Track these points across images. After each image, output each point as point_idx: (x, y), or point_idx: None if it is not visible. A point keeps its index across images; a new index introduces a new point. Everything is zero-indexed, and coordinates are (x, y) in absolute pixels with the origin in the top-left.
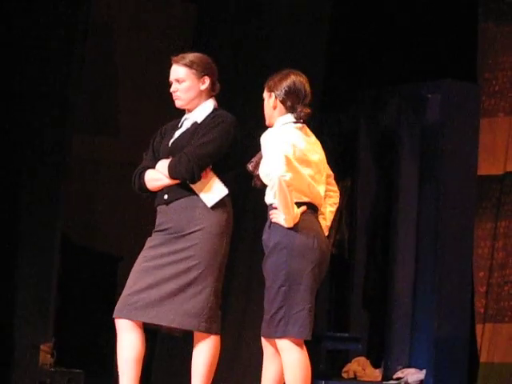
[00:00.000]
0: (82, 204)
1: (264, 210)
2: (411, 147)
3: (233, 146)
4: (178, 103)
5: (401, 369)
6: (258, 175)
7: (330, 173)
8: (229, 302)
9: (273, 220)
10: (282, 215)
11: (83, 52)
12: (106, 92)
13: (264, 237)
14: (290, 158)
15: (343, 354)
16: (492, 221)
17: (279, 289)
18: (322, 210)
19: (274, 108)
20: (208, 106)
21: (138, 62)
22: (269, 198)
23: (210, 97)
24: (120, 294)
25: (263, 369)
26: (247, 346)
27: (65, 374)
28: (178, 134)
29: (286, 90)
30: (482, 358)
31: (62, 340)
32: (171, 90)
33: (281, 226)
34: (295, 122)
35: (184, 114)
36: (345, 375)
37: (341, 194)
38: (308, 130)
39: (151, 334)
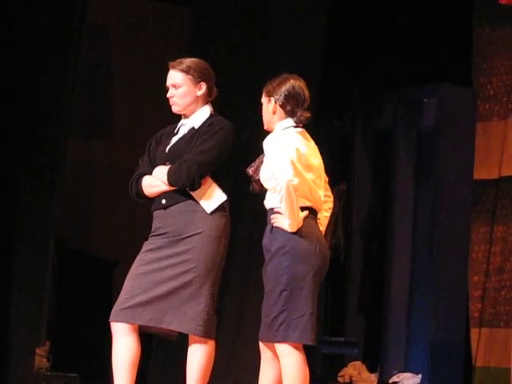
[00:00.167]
0: (78, 207)
1: (261, 214)
2: (407, 151)
3: (231, 153)
4: (175, 108)
5: (396, 373)
6: (257, 180)
7: (326, 177)
8: (225, 306)
9: (275, 224)
10: (287, 220)
11: (79, 55)
12: (102, 95)
13: (265, 241)
14: (295, 163)
15: (339, 359)
16: (486, 225)
17: (281, 293)
18: (318, 215)
19: (274, 113)
20: (205, 112)
21: (133, 65)
22: (269, 202)
23: (207, 102)
24: (116, 297)
25: (260, 373)
26: (243, 351)
27: (61, 378)
28: (174, 140)
29: (285, 95)
30: (478, 363)
31: (58, 344)
32: (168, 95)
33: (283, 230)
34: (295, 127)
35: (180, 118)
36: (341, 379)
37: (337, 198)
38: (307, 135)
39: (147, 338)
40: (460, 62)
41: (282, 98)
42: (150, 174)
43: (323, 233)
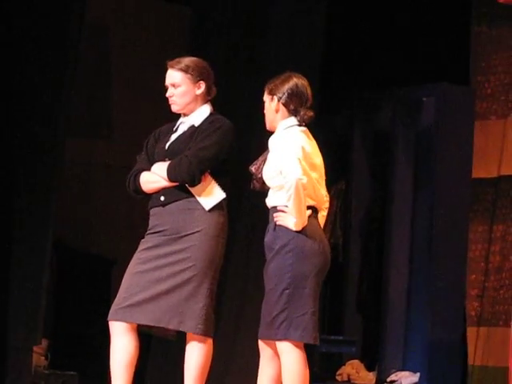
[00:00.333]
0: (77, 207)
1: (261, 212)
2: (406, 150)
3: (230, 152)
4: (174, 108)
5: (395, 372)
6: (259, 178)
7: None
8: (224, 305)
9: (279, 223)
10: (292, 218)
11: (78, 54)
12: (102, 95)
13: (267, 239)
14: (302, 161)
15: (337, 357)
16: (484, 224)
17: (283, 291)
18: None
19: (277, 111)
20: (204, 111)
21: (133, 65)
22: (272, 201)
23: (206, 101)
24: (115, 296)
25: (259, 371)
26: (242, 349)
27: (59, 376)
28: (174, 137)
29: (288, 93)
30: (477, 362)
31: (57, 342)
32: (167, 94)
33: (287, 228)
34: (299, 125)
35: (179, 117)
36: (339, 378)
37: (335, 197)
38: (309, 134)
39: (145, 337)
40: (459, 61)
41: (285, 96)
42: (149, 170)
43: None
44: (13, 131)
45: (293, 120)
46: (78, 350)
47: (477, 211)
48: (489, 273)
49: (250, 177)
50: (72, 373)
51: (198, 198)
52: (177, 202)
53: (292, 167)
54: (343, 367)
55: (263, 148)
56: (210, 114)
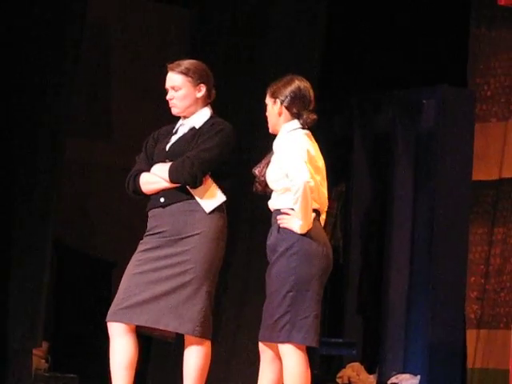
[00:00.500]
0: (77, 207)
1: (262, 214)
2: (406, 152)
3: (231, 154)
4: (175, 111)
5: (395, 374)
6: (261, 180)
7: None
8: (224, 307)
9: (283, 225)
10: (298, 221)
11: (78, 55)
12: (102, 95)
13: (270, 241)
14: (307, 165)
15: (337, 360)
16: (484, 226)
17: (287, 294)
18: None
19: (280, 115)
20: (205, 114)
21: (133, 66)
22: (276, 203)
23: (206, 104)
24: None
25: (260, 374)
26: (243, 352)
27: (59, 378)
28: (174, 138)
29: (291, 96)
30: (477, 364)
31: (57, 345)
32: (167, 97)
33: (291, 231)
34: (302, 128)
35: (179, 119)
36: (339, 381)
37: (335, 199)
38: (312, 137)
39: (146, 339)
40: (459, 64)
41: (288, 99)
42: (148, 171)
43: None
44: (13, 131)
45: (296, 123)
46: (79, 353)
47: (477, 213)
48: (489, 275)
49: (251, 179)
50: (72, 375)
51: (199, 200)
52: (177, 204)
53: (299, 170)
54: (344, 370)
55: (264, 150)
56: (211, 117)
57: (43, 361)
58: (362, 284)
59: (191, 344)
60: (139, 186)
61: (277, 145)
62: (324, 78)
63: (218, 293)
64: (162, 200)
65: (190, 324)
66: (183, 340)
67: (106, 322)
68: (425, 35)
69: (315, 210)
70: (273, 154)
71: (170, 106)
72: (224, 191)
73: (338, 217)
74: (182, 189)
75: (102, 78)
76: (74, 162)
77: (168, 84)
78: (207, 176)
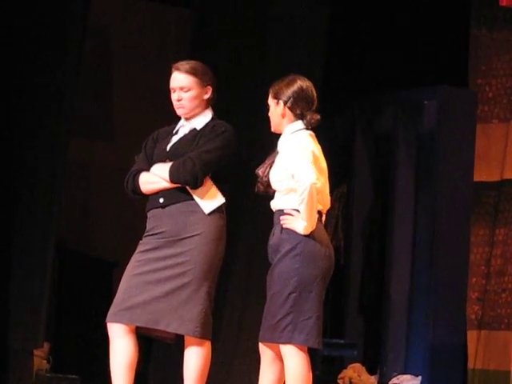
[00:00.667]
0: (78, 209)
1: (264, 215)
2: (407, 153)
3: (232, 157)
4: (181, 111)
5: (396, 375)
6: (263, 181)
7: None
8: (226, 308)
9: (286, 226)
10: (302, 222)
11: (80, 55)
12: (103, 96)
13: (272, 242)
14: (313, 166)
15: (339, 361)
16: (485, 227)
17: (289, 295)
18: None
19: (283, 116)
20: (207, 115)
21: (135, 67)
22: (278, 204)
23: (208, 106)
24: None
25: (260, 375)
26: (244, 353)
27: (61, 379)
28: (175, 139)
29: (294, 97)
30: (478, 365)
31: (59, 345)
32: (175, 98)
33: (294, 232)
34: (306, 129)
35: (179, 119)
36: (340, 382)
37: (337, 200)
38: (315, 138)
39: (146, 340)
40: (460, 64)
41: (291, 100)
42: (148, 171)
43: None
44: (13, 131)
45: (300, 124)
46: (80, 353)
47: (478, 214)
48: (490, 276)
49: (253, 181)
50: (74, 376)
51: (198, 201)
52: (176, 205)
53: (306, 171)
54: (345, 371)
55: (266, 150)
56: (212, 119)
57: (44, 361)
58: (363, 285)
59: (191, 345)
60: (138, 186)
61: (281, 145)
62: (325, 78)
63: (218, 294)
64: (161, 201)
65: (190, 325)
66: (183, 341)
67: (106, 323)
68: (425, 36)
69: (318, 212)
70: (276, 154)
71: (177, 106)
72: (223, 193)
73: (340, 217)
74: (182, 190)
75: (103, 79)
76: (75, 163)
77: (175, 84)
78: (207, 178)
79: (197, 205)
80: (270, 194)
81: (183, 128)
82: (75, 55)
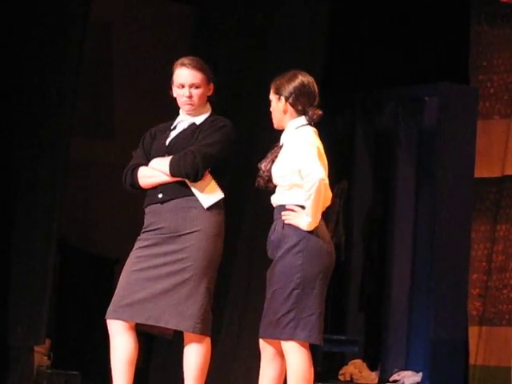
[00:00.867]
0: (79, 206)
1: (265, 211)
2: (408, 149)
3: (231, 151)
4: (189, 108)
5: (397, 371)
6: (264, 175)
7: None
8: (227, 306)
9: (288, 221)
10: (307, 218)
11: (81, 53)
12: (104, 94)
13: (273, 237)
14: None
15: (340, 357)
16: (486, 223)
17: (292, 291)
18: None
19: (285, 112)
20: (206, 111)
21: (135, 64)
22: (280, 199)
23: (207, 101)
24: None
25: (260, 373)
26: (245, 350)
27: (61, 375)
28: (174, 134)
29: (296, 93)
30: (479, 361)
31: (59, 342)
32: (186, 94)
33: (296, 227)
34: (309, 125)
35: (176, 116)
36: (341, 378)
37: (338, 196)
38: (317, 135)
39: (147, 336)
40: (461, 61)
41: (292, 96)
42: (146, 165)
43: None
44: (13, 131)
45: (303, 119)
46: (81, 350)
47: (479, 210)
48: (491, 272)
49: (254, 177)
50: (74, 372)
51: (198, 195)
52: (176, 200)
53: (315, 167)
54: (345, 367)
55: (267, 147)
56: (211, 114)
57: (45, 358)
58: (364, 281)
59: (191, 341)
60: (137, 180)
61: (285, 140)
62: (326, 75)
63: (219, 293)
64: (160, 196)
65: (191, 321)
66: (182, 337)
67: (106, 320)
68: (426, 32)
69: None
70: (279, 149)
71: (185, 103)
72: (222, 188)
73: (340, 214)
74: (181, 185)
75: (104, 77)
76: (76, 161)
77: (186, 80)
78: (206, 172)
79: (196, 200)
80: (270, 188)
81: (182, 123)
82: (75, 55)
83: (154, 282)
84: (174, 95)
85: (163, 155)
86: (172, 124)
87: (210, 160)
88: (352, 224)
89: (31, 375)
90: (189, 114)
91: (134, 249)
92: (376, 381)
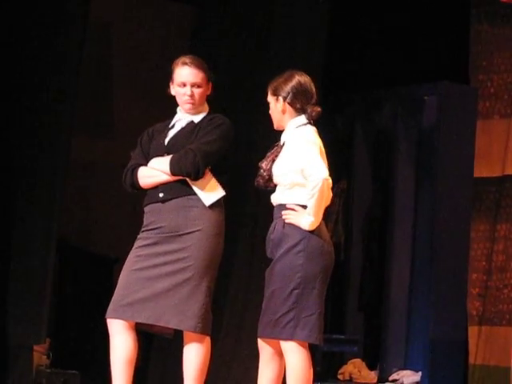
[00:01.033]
0: (79, 206)
1: (265, 211)
2: (408, 149)
3: (230, 149)
4: (190, 107)
5: (396, 371)
6: (264, 175)
7: None
8: (227, 306)
9: (289, 221)
10: (309, 217)
11: (81, 53)
12: (104, 94)
13: (273, 236)
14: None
15: (339, 356)
16: (486, 223)
17: (292, 291)
18: None
19: (284, 112)
20: (205, 109)
21: (135, 64)
22: (280, 198)
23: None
24: None
25: (259, 372)
26: (245, 350)
27: (61, 375)
28: (172, 133)
29: (293, 92)
30: (478, 361)
31: (58, 341)
32: (187, 93)
33: (297, 227)
34: (309, 124)
35: (174, 115)
36: (340, 377)
37: (337, 196)
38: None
39: (147, 335)
40: (461, 60)
41: (290, 96)
42: (145, 165)
43: None
44: (13, 131)
45: (302, 118)
46: (80, 349)
47: (479, 210)
48: (491, 272)
49: (253, 177)
50: (74, 371)
51: (199, 193)
52: (176, 199)
53: (318, 167)
54: (345, 366)
55: (267, 146)
56: (209, 112)
57: (45, 357)
58: (363, 280)
59: (191, 341)
60: (137, 180)
61: (286, 140)
62: (326, 75)
63: (219, 292)
64: (161, 195)
65: (192, 321)
66: (182, 336)
67: (106, 319)
68: (426, 31)
69: None
70: (279, 148)
71: (186, 101)
72: (222, 186)
73: (340, 213)
74: (182, 184)
75: (104, 77)
76: (76, 161)
77: (188, 79)
78: (207, 170)
79: (197, 200)
80: (269, 188)
81: (180, 122)
82: (75, 55)
83: (155, 282)
84: (173, 93)
85: (162, 154)
86: (170, 123)
87: (211, 158)
88: (351, 223)
89: (30, 374)
90: (188, 113)
91: (133, 248)
92: (375, 380)
